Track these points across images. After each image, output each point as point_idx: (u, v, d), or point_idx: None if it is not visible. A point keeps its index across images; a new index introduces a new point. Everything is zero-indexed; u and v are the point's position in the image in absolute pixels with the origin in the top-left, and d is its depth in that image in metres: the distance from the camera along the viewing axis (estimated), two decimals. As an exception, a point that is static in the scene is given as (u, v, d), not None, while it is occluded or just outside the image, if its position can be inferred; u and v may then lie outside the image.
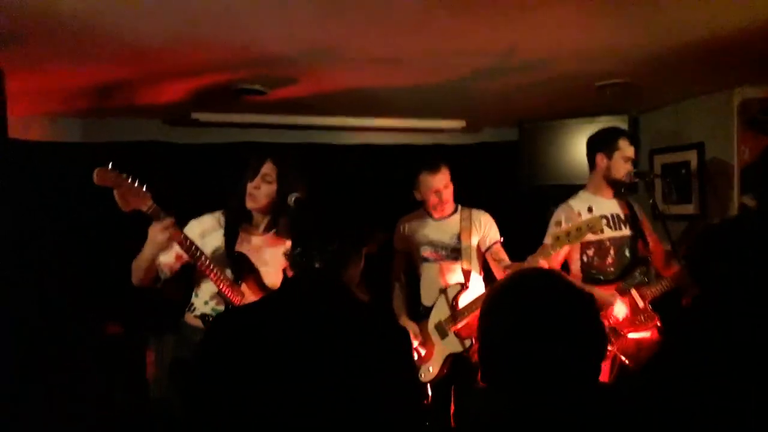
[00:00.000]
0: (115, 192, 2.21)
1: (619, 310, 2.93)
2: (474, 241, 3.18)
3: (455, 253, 3.18)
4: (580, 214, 3.03)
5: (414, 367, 1.59)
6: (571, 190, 4.12)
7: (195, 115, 3.76)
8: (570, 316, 1.22)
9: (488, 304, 1.33)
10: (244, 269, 2.57)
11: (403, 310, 3.31)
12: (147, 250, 2.36)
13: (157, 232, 2.29)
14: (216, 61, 2.69)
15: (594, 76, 3.15)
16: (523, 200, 4.48)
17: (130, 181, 2.22)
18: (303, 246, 1.56)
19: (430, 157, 3.26)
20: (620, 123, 4.02)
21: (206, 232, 2.58)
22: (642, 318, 2.93)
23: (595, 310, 1.27)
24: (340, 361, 1.38)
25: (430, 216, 3.27)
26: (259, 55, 2.60)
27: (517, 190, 4.42)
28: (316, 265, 1.53)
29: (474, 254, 3.19)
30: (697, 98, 3.71)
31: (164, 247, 2.36)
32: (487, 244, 3.20)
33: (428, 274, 3.24)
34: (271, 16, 2.14)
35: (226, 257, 2.54)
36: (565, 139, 4.20)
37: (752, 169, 3.34)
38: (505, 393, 1.22)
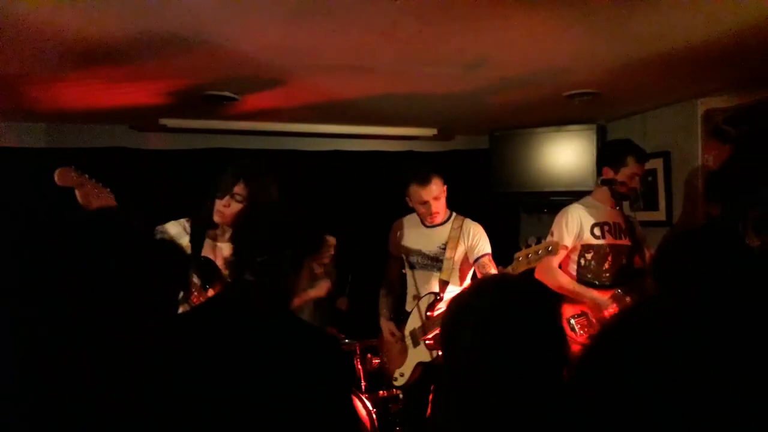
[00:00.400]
0: (77, 192, 2.20)
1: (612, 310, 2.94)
2: (459, 253, 3.15)
3: (437, 262, 3.17)
4: (576, 223, 3.09)
5: (347, 387, 1.49)
6: (541, 197, 4.20)
7: (163, 121, 3.70)
8: (528, 318, 1.23)
9: (449, 312, 1.33)
10: (211, 275, 2.53)
11: (386, 313, 3.31)
12: None
13: None
14: (183, 67, 2.65)
15: (563, 86, 3.19)
16: (495, 206, 4.51)
17: (92, 181, 2.21)
18: (236, 256, 1.52)
19: (420, 167, 3.18)
20: (588, 132, 4.09)
21: (172, 239, 2.54)
22: None
23: (556, 311, 1.28)
24: (258, 376, 1.33)
25: (423, 222, 3.24)
26: (228, 61, 2.57)
27: (488, 196, 4.46)
28: (247, 277, 1.48)
29: (455, 266, 3.16)
30: (663, 108, 3.78)
31: None
32: (475, 255, 3.16)
33: (412, 280, 3.25)
34: (239, 20, 2.12)
35: (193, 263, 2.50)
36: (534, 147, 4.26)
37: (716, 177, 3.42)
38: (472, 396, 1.22)
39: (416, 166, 3.21)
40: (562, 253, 3.06)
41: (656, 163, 3.81)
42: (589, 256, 3.10)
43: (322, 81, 2.97)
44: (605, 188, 3.12)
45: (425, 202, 3.09)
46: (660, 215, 3.81)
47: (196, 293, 2.42)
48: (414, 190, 3.10)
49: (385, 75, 2.88)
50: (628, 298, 2.98)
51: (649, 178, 3.86)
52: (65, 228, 1.23)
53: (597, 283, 3.10)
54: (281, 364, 1.35)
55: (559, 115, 3.90)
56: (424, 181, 3.07)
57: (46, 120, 3.75)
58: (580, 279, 3.12)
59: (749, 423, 0.93)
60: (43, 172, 3.72)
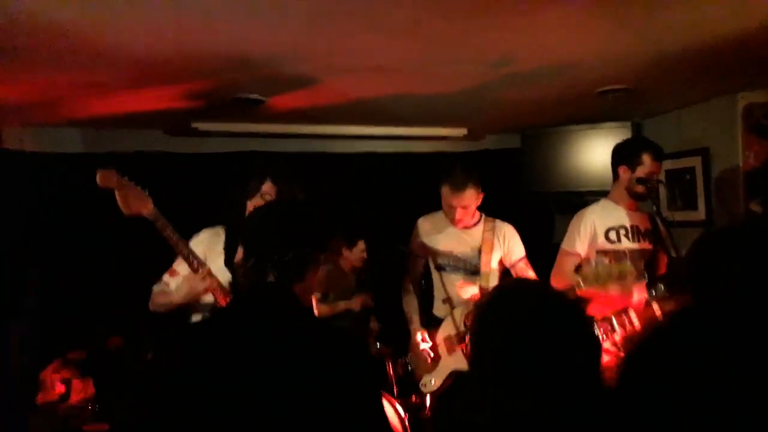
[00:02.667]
0: (117, 194, 2.23)
1: (639, 294, 2.81)
2: (495, 258, 3.06)
3: (470, 266, 3.08)
4: (586, 229, 2.99)
5: (375, 391, 1.45)
6: (574, 197, 4.11)
7: (195, 125, 3.74)
8: (559, 322, 1.21)
9: (480, 314, 1.31)
10: None
11: (416, 316, 3.22)
12: (183, 296, 2.37)
13: (197, 282, 2.32)
14: (210, 70, 2.67)
15: (595, 83, 3.12)
16: (527, 207, 4.44)
17: (131, 184, 2.25)
18: (256, 256, 1.46)
19: (458, 170, 3.04)
20: (623, 129, 4.00)
21: (210, 247, 2.57)
22: None
23: (584, 316, 1.26)
24: (292, 383, 1.30)
25: (452, 222, 3.13)
26: (253, 64, 2.58)
27: (520, 197, 4.39)
28: (270, 279, 1.43)
29: (493, 274, 3.07)
30: (700, 104, 3.67)
31: (201, 295, 2.37)
32: (512, 260, 3.09)
33: (440, 282, 3.11)
34: (263, 24, 2.13)
35: (227, 269, 2.52)
36: (567, 145, 4.18)
37: (758, 174, 3.30)
38: (496, 397, 1.20)
39: (454, 168, 3.06)
40: (574, 261, 2.97)
41: (694, 161, 3.71)
42: (606, 260, 2.95)
43: (347, 82, 2.96)
44: (622, 188, 2.99)
45: (452, 207, 3.01)
46: (699, 215, 3.70)
47: (225, 295, 2.43)
48: (445, 191, 3.01)
49: (411, 75, 2.85)
50: (654, 302, 2.82)
51: (687, 177, 3.76)
52: None
53: None
54: (311, 367, 1.33)
55: (593, 112, 3.82)
56: (458, 188, 2.96)
57: (80, 125, 3.83)
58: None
59: None
60: (79, 177, 3.85)
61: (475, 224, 3.13)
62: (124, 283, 3.70)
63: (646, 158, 2.91)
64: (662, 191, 3.61)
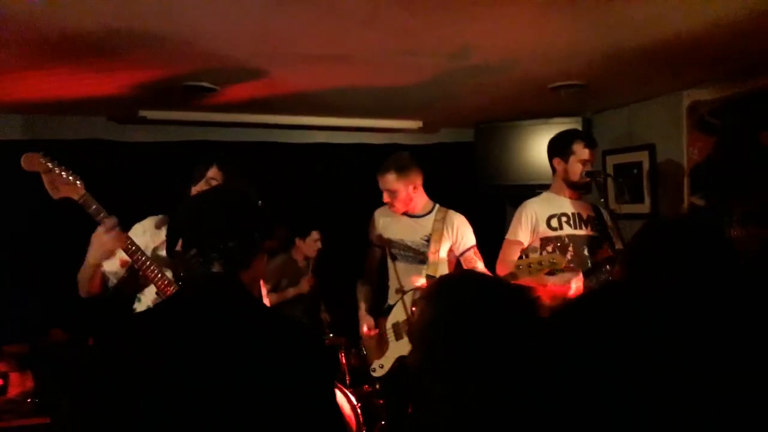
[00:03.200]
0: (43, 178, 2.13)
1: (577, 285, 2.92)
2: (444, 248, 3.10)
3: (419, 255, 3.12)
4: (523, 221, 3.11)
5: (329, 380, 1.43)
6: (526, 190, 4.15)
7: (142, 113, 3.62)
8: (506, 311, 1.21)
9: (423, 305, 1.30)
10: None
11: (365, 303, 3.25)
12: (92, 256, 2.23)
13: (101, 235, 2.18)
14: (159, 57, 2.59)
15: (548, 78, 3.16)
16: (480, 200, 4.49)
17: (61, 167, 2.14)
18: (198, 246, 1.39)
19: (392, 156, 3.18)
20: (574, 124, 4.06)
21: (147, 233, 2.48)
22: None
23: (533, 304, 1.25)
24: (242, 375, 1.26)
25: (405, 212, 3.18)
26: (205, 51, 2.51)
27: (474, 190, 4.43)
28: (215, 268, 1.38)
29: (441, 263, 3.11)
30: (649, 100, 3.77)
31: (111, 251, 2.23)
32: (460, 249, 3.13)
33: (393, 272, 3.17)
34: (216, 8, 2.06)
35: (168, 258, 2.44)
36: (520, 140, 4.23)
37: (700, 169, 3.41)
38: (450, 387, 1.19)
39: (396, 155, 3.21)
40: (517, 250, 3.06)
41: (641, 156, 3.81)
42: (549, 248, 3.05)
43: (302, 71, 2.92)
44: (560, 180, 3.09)
45: (384, 191, 3.09)
46: (645, 208, 3.81)
47: (171, 289, 2.36)
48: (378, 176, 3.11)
49: (368, 65, 2.83)
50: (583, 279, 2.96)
51: (635, 171, 3.85)
52: None
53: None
54: (262, 359, 1.28)
55: (545, 107, 3.88)
56: (380, 171, 3.09)
57: (21, 111, 3.66)
58: (548, 274, 3.09)
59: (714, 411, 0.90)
60: (17, 163, 3.69)
61: (427, 214, 3.16)
62: (65, 274, 3.58)
63: (577, 147, 2.99)
64: (610, 184, 3.70)
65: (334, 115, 4.07)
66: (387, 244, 3.19)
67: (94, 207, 2.19)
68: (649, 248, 1.32)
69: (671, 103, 3.58)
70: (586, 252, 3.06)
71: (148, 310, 1.63)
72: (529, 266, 2.75)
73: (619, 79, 3.22)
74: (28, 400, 3.36)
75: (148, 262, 2.28)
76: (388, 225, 3.22)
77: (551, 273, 3.08)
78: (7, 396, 3.37)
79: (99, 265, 2.28)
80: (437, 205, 3.20)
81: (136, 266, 2.32)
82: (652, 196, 3.76)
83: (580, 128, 4.04)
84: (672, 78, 3.26)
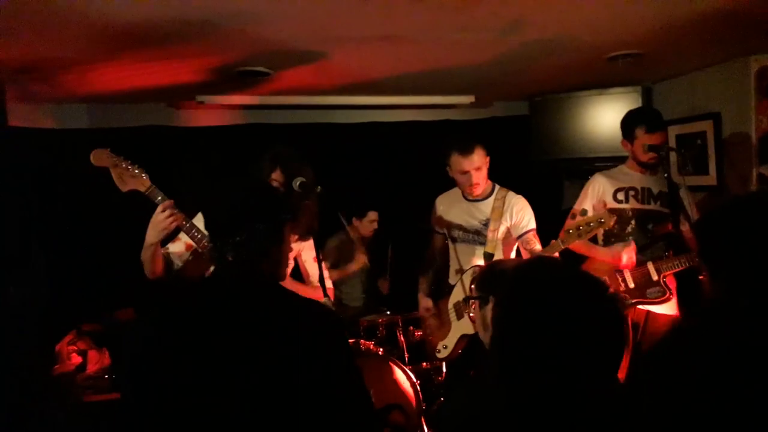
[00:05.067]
0: (112, 172, 2.26)
1: (628, 256, 2.92)
2: (502, 229, 3.09)
3: (479, 236, 3.12)
4: (592, 191, 3.11)
5: (351, 363, 1.44)
6: (584, 163, 4.08)
7: (200, 98, 3.71)
8: (591, 317, 1.12)
9: (506, 296, 1.23)
10: None
11: (425, 288, 3.30)
12: (150, 235, 2.33)
13: (158, 214, 2.28)
14: (215, 44, 2.64)
15: (604, 48, 3.06)
16: (535, 175, 4.42)
17: (127, 161, 2.27)
18: (214, 240, 1.47)
19: (462, 136, 3.13)
20: (633, 94, 3.94)
21: None
22: (653, 291, 2.91)
23: (618, 309, 1.18)
24: (260, 362, 1.31)
25: (465, 197, 3.19)
26: (258, 36, 2.54)
27: (528, 164, 4.36)
28: (229, 258, 1.43)
29: (499, 241, 3.10)
30: (712, 67, 3.60)
31: (166, 230, 2.32)
32: (519, 232, 3.09)
33: (454, 254, 3.21)
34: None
35: None
36: (576, 111, 4.13)
37: (770, 139, 3.25)
38: (512, 388, 1.15)
39: (458, 136, 3.16)
40: (580, 219, 3.01)
41: (705, 126, 3.65)
42: (612, 221, 3.01)
43: (354, 53, 2.92)
44: (630, 159, 3.09)
45: (466, 173, 3.02)
46: (710, 180, 3.66)
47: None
48: (455, 159, 3.03)
49: (418, 43, 2.81)
50: (649, 263, 2.93)
51: (698, 141, 3.71)
52: None
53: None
54: (278, 340, 1.33)
55: (602, 77, 3.76)
56: (466, 151, 2.99)
57: (85, 101, 3.81)
58: (606, 244, 3.10)
59: None
60: (85, 153, 3.86)
61: (488, 196, 3.15)
62: (132, 256, 3.75)
63: (640, 132, 2.97)
64: (672, 157, 3.58)
65: (386, 94, 4.06)
66: (447, 227, 3.22)
67: (159, 198, 2.30)
68: (721, 230, 1.28)
69: (737, 69, 3.41)
70: (650, 226, 3.03)
71: (172, 302, 1.71)
72: (578, 228, 2.72)
73: (680, 46, 3.09)
74: (106, 376, 3.56)
75: (205, 241, 2.37)
76: (448, 210, 3.24)
77: (607, 242, 3.06)
78: (87, 372, 3.58)
79: (157, 245, 2.36)
80: (497, 186, 3.18)
81: (198, 247, 2.42)
82: (718, 168, 3.61)
83: (639, 98, 3.93)
84: (737, 43, 3.10)
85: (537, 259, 1.40)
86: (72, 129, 3.84)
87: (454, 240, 3.20)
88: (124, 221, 3.86)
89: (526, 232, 3.08)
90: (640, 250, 2.98)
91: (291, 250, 1.58)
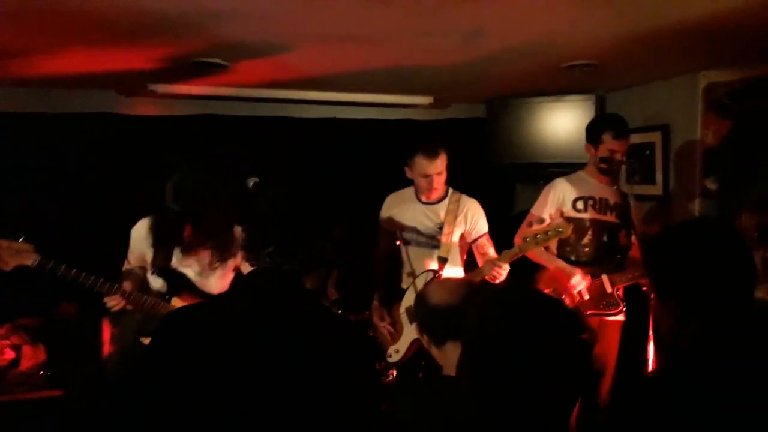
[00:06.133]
0: None
1: (577, 282, 2.97)
2: (457, 233, 3.10)
3: (432, 240, 3.11)
4: (551, 196, 3.13)
5: (376, 384, 1.50)
6: (537, 168, 4.15)
7: (152, 87, 3.59)
8: (557, 340, 1.13)
9: (475, 315, 1.23)
10: (180, 286, 2.62)
11: (379, 293, 3.28)
12: None
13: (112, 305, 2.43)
14: (172, 35, 2.55)
15: (562, 57, 3.11)
16: (490, 177, 4.47)
17: (7, 240, 2.22)
18: (277, 245, 1.42)
19: (428, 139, 3.11)
20: (587, 102, 4.02)
21: (144, 240, 2.63)
22: (607, 302, 2.97)
23: (583, 335, 1.18)
24: (298, 371, 1.31)
25: (418, 198, 3.17)
26: (219, 31, 2.47)
27: (484, 167, 4.40)
28: (287, 266, 1.41)
29: (454, 247, 3.11)
30: (664, 80, 3.71)
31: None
32: (473, 236, 3.13)
33: (406, 257, 3.17)
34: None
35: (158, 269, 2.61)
36: (532, 117, 4.18)
37: (715, 153, 3.37)
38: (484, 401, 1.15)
39: (424, 138, 3.14)
40: (538, 223, 3.06)
41: (654, 137, 3.76)
42: (568, 234, 3.06)
43: (316, 50, 2.88)
44: (591, 164, 3.14)
45: (428, 176, 3.02)
46: (656, 189, 3.78)
47: (155, 302, 2.48)
48: (419, 161, 3.02)
49: (381, 44, 2.78)
50: (603, 275, 2.99)
51: (647, 152, 3.81)
52: None
53: (574, 258, 3.10)
54: (312, 353, 1.34)
55: (558, 84, 3.82)
56: (432, 155, 2.99)
57: (28, 85, 3.63)
58: (560, 254, 3.13)
59: None
60: (25, 138, 3.68)
61: (441, 199, 3.14)
62: (77, 248, 3.62)
63: (606, 137, 3.03)
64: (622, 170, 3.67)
65: (345, 91, 4.02)
66: (399, 229, 3.19)
67: (51, 266, 2.31)
68: (668, 260, 1.32)
69: (686, 83, 3.52)
70: (605, 238, 3.09)
71: (210, 302, 1.71)
72: (536, 236, 2.78)
73: (634, 59, 3.16)
74: (40, 372, 3.42)
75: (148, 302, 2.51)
76: (401, 212, 3.21)
77: (562, 250, 3.11)
78: (20, 368, 3.43)
79: None
80: (450, 189, 3.18)
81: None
82: (664, 179, 3.73)
83: (592, 106, 4.01)
84: (688, 59, 3.19)
85: (502, 289, 1.41)
86: (19, 112, 3.65)
87: (407, 242, 3.17)
88: (71, 212, 3.75)
89: (480, 236, 3.11)
90: (595, 262, 3.05)
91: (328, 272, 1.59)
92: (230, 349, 1.32)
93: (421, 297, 1.84)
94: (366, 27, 2.50)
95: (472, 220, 3.11)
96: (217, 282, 2.64)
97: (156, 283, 2.60)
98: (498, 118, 4.31)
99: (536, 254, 3.07)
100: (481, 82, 3.75)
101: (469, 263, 3.25)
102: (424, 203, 3.16)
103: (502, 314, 1.16)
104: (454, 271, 3.15)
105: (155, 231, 2.55)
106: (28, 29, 2.46)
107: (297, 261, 1.41)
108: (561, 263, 3.07)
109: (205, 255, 2.58)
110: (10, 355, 3.51)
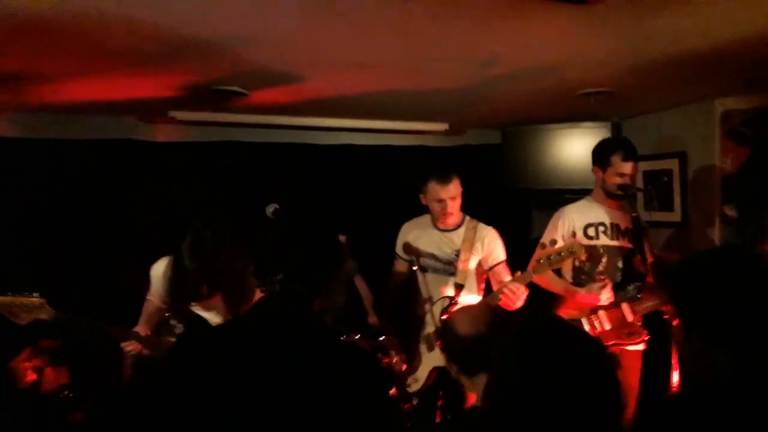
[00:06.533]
0: (4, 313, 2.23)
1: (607, 297, 2.93)
2: (473, 261, 3.09)
3: (449, 266, 3.10)
4: (560, 224, 3.10)
5: (386, 411, 1.49)
6: (553, 194, 4.14)
7: (172, 113, 3.66)
8: (590, 373, 1.13)
9: (504, 347, 1.23)
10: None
11: (392, 322, 3.24)
12: None
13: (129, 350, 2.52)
14: (191, 63, 2.61)
15: (578, 85, 3.12)
16: (506, 203, 4.47)
17: (16, 296, 2.26)
18: (286, 272, 1.46)
19: (441, 164, 3.13)
20: (603, 129, 4.03)
21: (162, 278, 2.64)
22: (628, 332, 2.91)
23: (613, 367, 1.20)
24: (304, 394, 1.31)
25: (435, 226, 3.16)
26: (237, 59, 2.53)
27: (499, 193, 4.41)
28: (295, 291, 1.44)
29: (471, 274, 3.10)
30: (681, 107, 3.71)
31: None
32: (490, 263, 3.11)
33: (424, 284, 3.17)
34: (249, 20, 2.08)
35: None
36: (548, 143, 4.20)
37: (733, 180, 3.35)
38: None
39: (437, 163, 3.15)
40: (551, 249, 3.02)
41: (672, 164, 3.75)
42: (582, 257, 3.03)
43: (332, 77, 2.92)
44: (599, 188, 3.09)
45: (442, 201, 3.02)
46: (675, 216, 3.75)
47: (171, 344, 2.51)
48: (432, 187, 3.03)
49: (396, 71, 2.82)
50: (624, 304, 2.93)
51: (665, 178, 3.80)
52: None
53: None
54: (320, 380, 1.34)
55: (573, 111, 3.83)
56: (445, 179, 3.00)
57: (51, 111, 3.72)
58: (576, 282, 3.08)
59: None
60: (49, 164, 3.75)
61: (458, 227, 3.14)
62: (100, 272, 3.67)
63: (615, 159, 2.98)
64: (639, 198, 3.66)
65: (361, 117, 4.07)
66: (416, 256, 3.18)
67: (60, 317, 2.38)
68: (690, 290, 1.31)
69: (703, 110, 3.52)
70: (620, 264, 3.05)
71: (226, 324, 1.74)
72: (549, 258, 2.75)
73: (649, 86, 3.17)
74: (63, 394, 3.43)
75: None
76: (417, 238, 3.21)
77: (577, 279, 3.07)
78: (41, 391, 3.44)
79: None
80: (467, 217, 3.18)
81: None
82: (683, 205, 3.70)
83: (608, 133, 4.01)
84: (704, 86, 3.20)
85: (534, 318, 1.41)
86: (34, 138, 3.73)
87: (425, 270, 3.16)
88: (85, 235, 3.80)
89: (497, 264, 3.09)
90: (613, 290, 3.00)
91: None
92: (236, 372, 1.33)
93: (446, 327, 1.82)
94: (379, 54, 2.53)
95: (489, 246, 3.10)
96: None
97: (177, 326, 2.63)
98: (514, 145, 4.33)
99: (552, 283, 3.04)
100: (496, 108, 3.78)
101: (487, 292, 3.22)
102: (440, 230, 3.15)
103: (528, 343, 1.17)
104: (471, 298, 3.12)
105: (172, 282, 2.55)
106: (51, 58, 2.52)
107: (305, 286, 1.44)
108: (583, 292, 2.98)
109: (220, 302, 2.60)
110: (32, 377, 3.53)
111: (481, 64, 2.70)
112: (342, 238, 4.14)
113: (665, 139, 3.83)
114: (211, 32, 2.21)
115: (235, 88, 3.05)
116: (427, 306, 3.11)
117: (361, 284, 3.84)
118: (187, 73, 2.79)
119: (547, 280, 3.03)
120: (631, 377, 3.00)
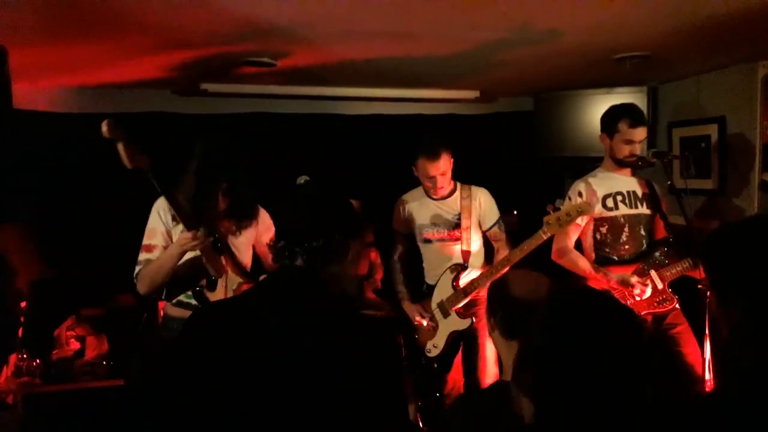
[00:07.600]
0: (120, 146, 2.21)
1: (641, 291, 2.85)
2: (474, 221, 3.17)
3: (456, 231, 3.15)
4: (585, 194, 3.01)
5: (397, 377, 1.47)
6: (586, 162, 4.06)
7: (204, 86, 3.70)
8: (623, 341, 1.13)
9: (543, 318, 1.23)
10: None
11: (406, 294, 3.31)
12: (174, 256, 2.39)
13: (188, 242, 2.32)
14: (220, 33, 2.62)
15: (612, 49, 3.04)
16: (538, 171, 4.42)
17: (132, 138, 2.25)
18: (287, 241, 1.46)
19: (430, 139, 3.11)
20: (638, 94, 3.92)
21: (166, 213, 2.60)
22: (660, 300, 2.88)
23: (645, 334, 1.20)
24: (313, 367, 1.31)
25: (429, 196, 3.22)
26: (266, 27, 2.52)
27: (531, 160, 4.36)
28: (298, 263, 1.44)
29: (473, 236, 3.17)
30: (720, 71, 3.58)
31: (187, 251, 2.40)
32: (487, 224, 3.20)
33: (430, 254, 3.25)
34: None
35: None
36: (581, 109, 4.11)
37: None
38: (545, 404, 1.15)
39: (426, 138, 3.12)
40: (576, 230, 3.00)
41: (710, 129, 3.65)
42: (603, 229, 2.99)
43: (363, 46, 2.90)
44: (608, 156, 3.02)
45: (432, 177, 3.07)
46: (711, 183, 3.66)
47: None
48: (422, 163, 3.07)
49: (427, 39, 2.79)
50: (652, 271, 2.88)
51: (702, 144, 3.70)
52: None
53: (616, 258, 2.98)
54: (330, 353, 1.33)
55: (608, 76, 3.74)
56: (433, 156, 3.03)
57: (91, 85, 3.79)
58: (598, 254, 3.02)
59: None
60: (84, 137, 3.83)
61: (452, 193, 3.20)
62: (135, 241, 3.76)
63: (622, 125, 2.91)
64: (675, 165, 3.57)
65: (391, 87, 4.04)
66: (418, 229, 3.24)
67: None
68: (728, 261, 1.28)
69: (744, 73, 3.40)
70: (642, 231, 3.00)
71: (233, 298, 1.76)
72: (558, 219, 2.78)
73: (687, 49, 3.06)
74: (104, 362, 3.57)
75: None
76: (416, 211, 3.25)
77: (600, 252, 3.01)
78: (85, 359, 3.59)
79: (175, 264, 2.42)
80: (458, 183, 3.23)
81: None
82: (720, 172, 3.61)
83: (644, 98, 3.91)
84: (745, 48, 3.08)
85: (569, 288, 1.39)
86: (73, 113, 3.81)
87: (428, 241, 3.22)
88: (128, 206, 3.88)
89: (494, 224, 3.18)
90: (638, 258, 2.96)
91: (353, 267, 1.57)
92: (244, 345, 1.35)
93: (501, 284, 1.78)
94: (410, 23, 2.50)
95: (484, 207, 3.18)
96: None
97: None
98: (546, 111, 4.26)
99: (586, 269, 2.95)
100: (529, 75, 3.71)
101: (487, 253, 3.28)
102: (435, 199, 3.21)
103: (565, 312, 1.17)
104: (477, 259, 3.21)
105: (196, 197, 2.50)
106: (102, 44, 2.57)
107: (307, 255, 1.42)
108: (614, 276, 2.90)
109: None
110: (75, 345, 3.68)
111: (513, 31, 2.64)
112: (355, 203, 4.21)
113: (704, 103, 3.72)
114: (243, 5, 2.21)
115: (265, 59, 3.05)
116: (434, 275, 3.20)
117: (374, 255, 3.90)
118: (217, 44, 2.80)
119: (578, 265, 2.96)
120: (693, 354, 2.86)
